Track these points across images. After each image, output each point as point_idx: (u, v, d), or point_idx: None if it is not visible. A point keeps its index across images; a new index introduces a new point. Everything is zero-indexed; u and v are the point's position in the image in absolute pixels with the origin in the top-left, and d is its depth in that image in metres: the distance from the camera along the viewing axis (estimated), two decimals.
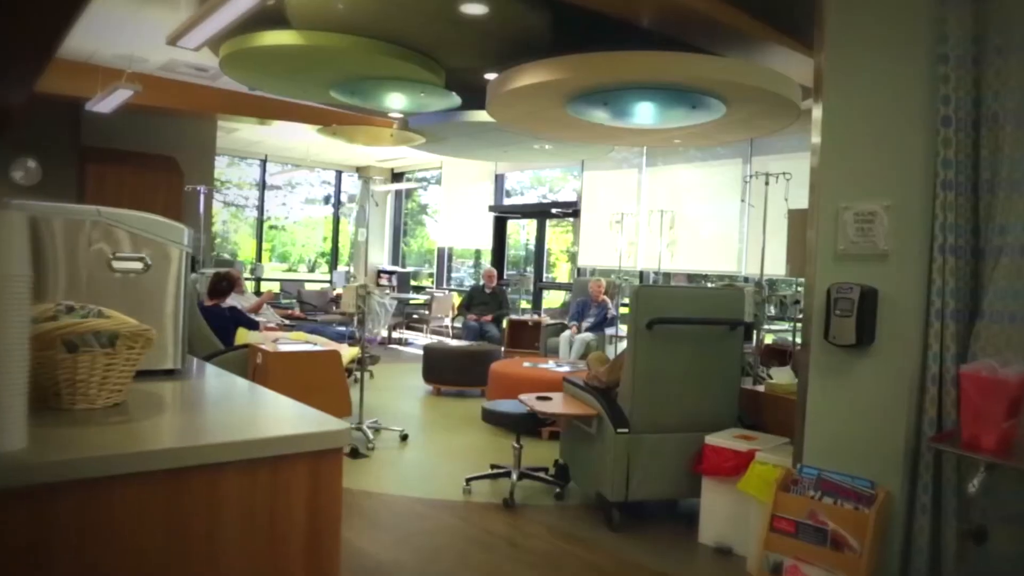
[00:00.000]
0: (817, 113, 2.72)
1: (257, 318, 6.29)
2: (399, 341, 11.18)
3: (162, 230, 1.93)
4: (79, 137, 8.23)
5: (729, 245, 8.04)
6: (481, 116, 6.90)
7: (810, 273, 2.70)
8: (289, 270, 14.47)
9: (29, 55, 4.50)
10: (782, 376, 4.14)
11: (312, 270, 14.23)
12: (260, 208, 12.27)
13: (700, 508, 3.59)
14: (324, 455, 1.42)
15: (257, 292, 8.69)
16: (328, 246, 13.75)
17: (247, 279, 11.37)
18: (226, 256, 12.92)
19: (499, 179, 11.28)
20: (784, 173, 4.80)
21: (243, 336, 5.40)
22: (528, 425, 4.11)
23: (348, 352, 5.51)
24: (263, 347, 4.81)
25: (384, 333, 10.43)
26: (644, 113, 5.54)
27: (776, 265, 6.38)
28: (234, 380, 1.94)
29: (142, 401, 1.60)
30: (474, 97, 6.50)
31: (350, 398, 4.94)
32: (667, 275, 8.69)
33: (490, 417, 4.18)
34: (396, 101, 6.39)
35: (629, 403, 3.67)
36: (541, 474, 4.31)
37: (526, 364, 6.16)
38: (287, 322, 6.99)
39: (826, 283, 2.60)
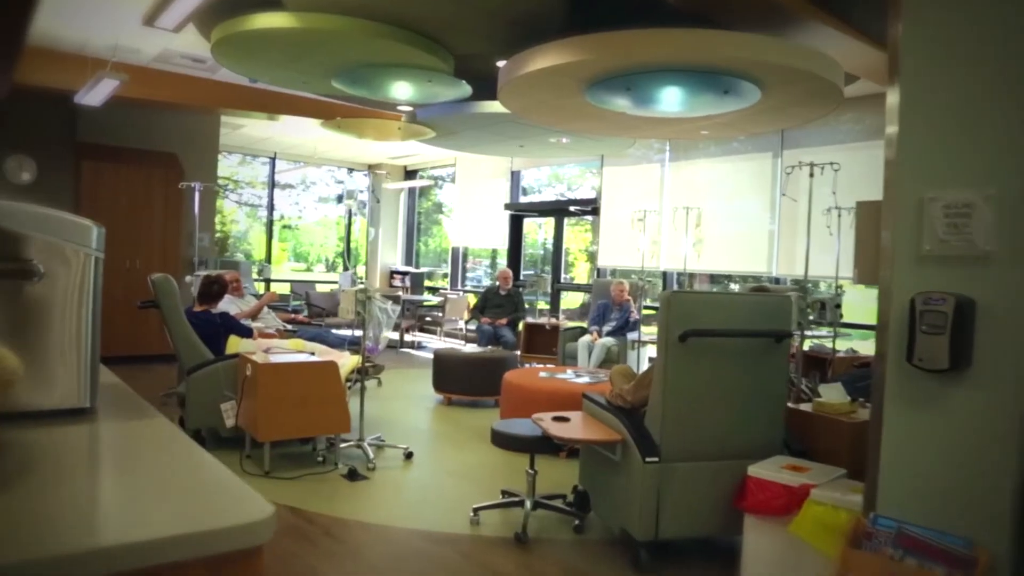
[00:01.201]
0: (895, 86, 2.22)
1: (254, 324, 5.88)
2: (412, 344, 10.75)
3: (59, 228, 1.48)
4: (75, 134, 7.88)
5: (759, 244, 7.52)
6: (493, 107, 6.45)
7: (885, 279, 2.21)
8: (307, 270, 14.12)
9: None
10: (832, 393, 3.64)
11: (331, 270, 13.86)
12: (270, 207, 11.89)
13: (742, 548, 3.10)
14: (229, 560, 0.96)
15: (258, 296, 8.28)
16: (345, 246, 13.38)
17: (256, 280, 11.00)
18: (240, 256, 12.57)
19: (515, 176, 10.82)
20: (831, 163, 4.28)
21: (235, 345, 4.98)
22: (543, 449, 3.64)
23: (349, 361, 5.07)
24: (253, 357, 4.38)
25: (390, 337, 9.98)
26: (671, 99, 5.04)
27: (817, 265, 5.87)
28: (150, 427, 1.49)
29: None
30: (485, 87, 6.05)
31: (348, 413, 4.50)
32: (691, 276, 8.19)
33: (501, 440, 3.71)
34: (402, 90, 5.95)
35: (659, 426, 3.19)
36: (558, 502, 3.84)
37: (543, 374, 5.69)
38: (288, 327, 6.56)
39: (907, 291, 2.10)
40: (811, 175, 4.16)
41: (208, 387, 4.64)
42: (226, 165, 12.26)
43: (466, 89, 6.03)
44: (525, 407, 4.97)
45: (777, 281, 7.41)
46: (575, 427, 3.49)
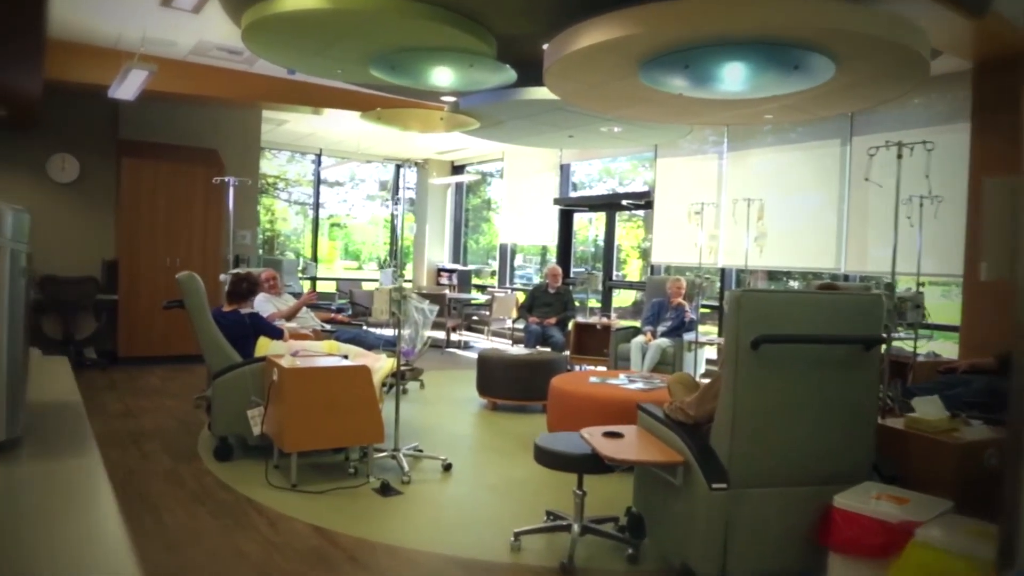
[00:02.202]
0: None
1: (290, 324, 5.61)
2: (458, 344, 10.44)
3: None
4: (117, 131, 7.79)
5: (825, 238, 6.95)
6: (540, 93, 6.06)
7: None
8: (358, 268, 13.98)
9: (12, 30, 3.90)
10: (927, 407, 3.15)
11: (383, 267, 13.71)
12: (316, 204, 11.73)
13: None
14: None
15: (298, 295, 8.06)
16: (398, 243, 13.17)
17: (301, 279, 10.83)
18: (289, 255, 12.46)
19: (564, 170, 10.40)
20: (924, 141, 3.75)
21: (265, 347, 4.71)
22: (592, 469, 3.22)
23: (385, 365, 4.74)
24: (280, 361, 4.09)
25: (431, 338, 9.68)
26: (733, 78, 4.56)
27: (885, 261, 5.35)
28: (68, 472, 1.14)
29: None
30: (531, 72, 5.66)
31: (382, 422, 4.16)
32: (750, 272, 7.67)
33: (545, 458, 3.30)
34: (443, 77, 5.59)
35: (727, 446, 2.76)
36: (609, 526, 3.43)
37: (593, 379, 5.27)
38: (327, 327, 6.29)
39: None
40: (899, 156, 3.64)
41: (235, 392, 4.37)
42: (276, 164, 12.19)
43: (511, 74, 5.66)
44: (573, 416, 4.58)
45: (846, 278, 6.84)
46: (629, 445, 3.08)
